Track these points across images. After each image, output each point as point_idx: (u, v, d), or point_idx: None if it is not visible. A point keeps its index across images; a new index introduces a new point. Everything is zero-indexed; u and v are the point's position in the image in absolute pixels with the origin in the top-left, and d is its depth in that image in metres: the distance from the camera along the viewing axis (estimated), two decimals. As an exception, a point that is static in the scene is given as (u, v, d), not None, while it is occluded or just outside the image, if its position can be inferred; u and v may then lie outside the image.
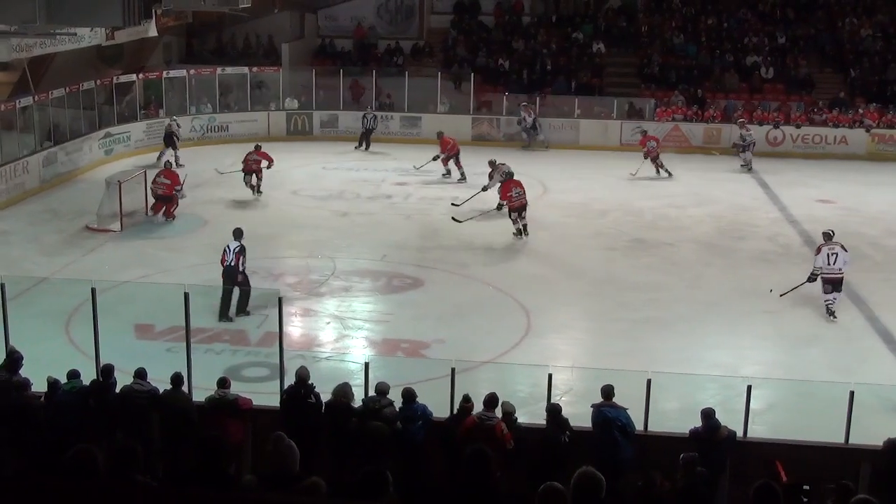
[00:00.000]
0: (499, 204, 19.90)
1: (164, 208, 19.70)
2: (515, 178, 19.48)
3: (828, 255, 15.07)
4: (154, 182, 19.82)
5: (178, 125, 25.66)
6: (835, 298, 15.04)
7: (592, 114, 29.23)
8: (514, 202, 18.85)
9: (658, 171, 24.78)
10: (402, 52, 32.64)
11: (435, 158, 24.09)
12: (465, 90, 29.81)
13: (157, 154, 24.94)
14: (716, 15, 33.05)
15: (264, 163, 21.95)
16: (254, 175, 21.78)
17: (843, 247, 15.22)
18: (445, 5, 34.12)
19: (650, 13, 33.49)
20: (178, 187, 19.77)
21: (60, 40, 21.09)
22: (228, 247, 14.66)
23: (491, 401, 9.33)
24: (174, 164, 23.16)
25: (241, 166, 22.00)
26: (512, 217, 18.96)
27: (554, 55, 31.88)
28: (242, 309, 14.67)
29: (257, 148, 22.30)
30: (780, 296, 15.32)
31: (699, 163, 26.83)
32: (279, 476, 6.36)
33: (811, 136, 28.47)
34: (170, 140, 25.05)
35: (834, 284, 15.05)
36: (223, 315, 14.45)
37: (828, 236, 15.45)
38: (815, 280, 15.17)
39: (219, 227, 19.43)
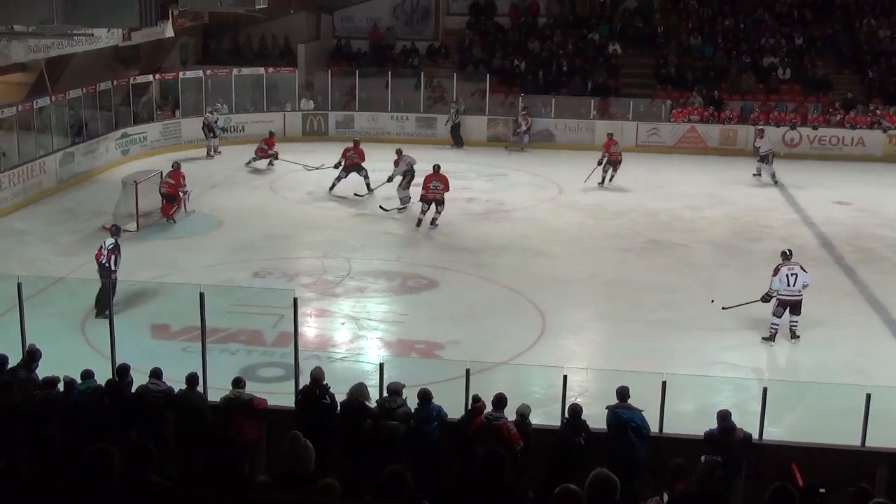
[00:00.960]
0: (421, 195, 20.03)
1: (169, 209, 19.72)
2: (441, 172, 19.81)
3: (787, 275, 14.00)
4: (161, 181, 19.95)
5: (214, 116, 26.56)
6: (795, 321, 14.16)
7: (608, 115, 29.17)
8: (429, 194, 19.44)
9: (610, 178, 23.63)
10: (417, 52, 32.67)
11: (336, 166, 22.50)
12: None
13: (205, 149, 26.21)
14: (732, 16, 32.93)
15: (272, 150, 24.77)
16: (261, 159, 24.65)
17: (802, 268, 14.30)
18: (461, 6, 34.15)
19: (666, 14, 33.38)
20: (183, 189, 19.85)
21: (77, 41, 21.14)
22: (104, 243, 14.57)
23: (499, 401, 9.29)
24: (212, 152, 25.89)
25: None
26: (423, 208, 19.49)
27: (570, 56, 31.84)
28: (101, 311, 13.69)
29: (271, 134, 25.49)
30: (723, 309, 14.65)
31: (715, 164, 26.73)
32: (293, 476, 6.36)
33: (828, 137, 28.32)
34: (205, 130, 26.19)
35: (792, 307, 14.04)
36: (100, 312, 13.90)
37: (786, 256, 14.50)
38: (769, 301, 14.22)
39: (234, 227, 19.55)
